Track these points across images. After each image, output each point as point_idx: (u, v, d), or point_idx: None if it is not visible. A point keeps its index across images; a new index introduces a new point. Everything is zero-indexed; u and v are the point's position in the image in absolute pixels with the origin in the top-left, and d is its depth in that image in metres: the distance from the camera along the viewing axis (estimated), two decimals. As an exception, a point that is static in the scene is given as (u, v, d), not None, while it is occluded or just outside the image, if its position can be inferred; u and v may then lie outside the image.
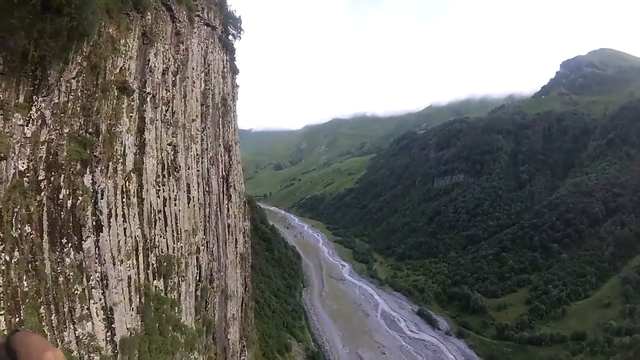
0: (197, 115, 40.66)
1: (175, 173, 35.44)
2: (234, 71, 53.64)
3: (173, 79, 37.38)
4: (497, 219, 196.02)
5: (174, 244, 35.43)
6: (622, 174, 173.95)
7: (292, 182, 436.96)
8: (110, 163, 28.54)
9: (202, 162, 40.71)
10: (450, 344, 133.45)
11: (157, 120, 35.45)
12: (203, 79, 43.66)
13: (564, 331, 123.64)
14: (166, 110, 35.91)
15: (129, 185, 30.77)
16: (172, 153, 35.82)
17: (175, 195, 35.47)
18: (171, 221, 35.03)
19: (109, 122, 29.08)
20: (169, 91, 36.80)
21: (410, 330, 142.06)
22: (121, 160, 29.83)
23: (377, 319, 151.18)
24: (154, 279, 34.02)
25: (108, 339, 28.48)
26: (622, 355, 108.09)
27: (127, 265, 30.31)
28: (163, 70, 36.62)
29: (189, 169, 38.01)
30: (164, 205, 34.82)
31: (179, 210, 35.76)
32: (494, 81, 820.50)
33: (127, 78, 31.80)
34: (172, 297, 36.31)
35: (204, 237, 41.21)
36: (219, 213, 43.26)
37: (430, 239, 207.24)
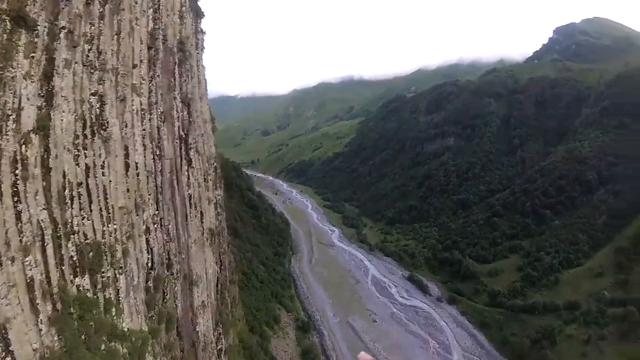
0: (141, 60, 30.70)
1: (102, 132, 25.81)
2: (198, 13, 43.05)
3: (100, 10, 26.99)
4: (488, 184, 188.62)
5: (104, 226, 26.12)
6: (617, 143, 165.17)
7: (280, 147, 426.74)
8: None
9: (149, 119, 31.06)
10: (442, 310, 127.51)
11: (75, 62, 25.37)
12: (151, 17, 33.28)
13: (557, 300, 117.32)
14: (89, 50, 25.88)
15: (26, 150, 21.18)
16: (98, 105, 26.09)
17: (104, 162, 25.94)
18: (98, 196, 25.60)
19: (-7, 64, 19.33)
20: (94, 25, 26.65)
21: (401, 297, 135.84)
22: (13, 116, 20.10)
23: (368, 285, 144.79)
24: (74, 277, 24.86)
25: (5, 366, 19.57)
26: (616, 327, 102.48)
27: (26, 263, 21.04)
28: (86, 0, 26.47)
29: (126, 126, 28.37)
30: (87, 176, 25.27)
31: (110, 182, 26.30)
32: (484, 45, 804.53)
33: (27, 6, 21.82)
34: (106, 297, 27.30)
35: (156, 212, 31.99)
36: (175, 182, 33.89)
37: (421, 203, 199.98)
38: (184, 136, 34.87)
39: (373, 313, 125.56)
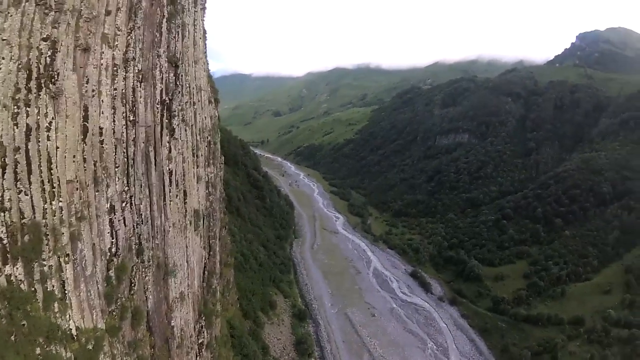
0: (118, 7, 24.76)
1: (50, 85, 20.27)
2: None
3: None
4: (499, 185, 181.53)
5: (46, 203, 20.62)
6: (634, 157, 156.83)
7: (290, 129, 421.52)
8: None
9: (123, 78, 25.36)
10: (443, 310, 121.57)
11: (26, 0, 19.95)
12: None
13: (562, 313, 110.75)
14: (44, -13, 20.20)
15: None
16: (49, 53, 20.57)
17: (50, 123, 20.25)
18: (40, 166, 19.83)
19: None
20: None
21: (402, 292, 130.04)
22: None
23: (369, 277, 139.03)
24: (3, 265, 19.37)
25: None
26: (619, 349, 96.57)
27: None
28: None
29: (88, 82, 22.69)
30: (27, 140, 19.83)
31: (57, 148, 20.70)
32: (504, 44, 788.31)
33: None
34: (47, 290, 21.93)
35: (126, 189, 26.39)
36: (152, 154, 28.17)
37: (429, 197, 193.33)
38: (167, 101, 29.15)
39: (372, 307, 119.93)
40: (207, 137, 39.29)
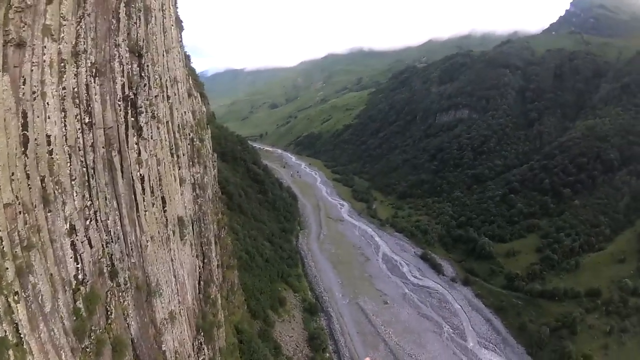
0: (59, -10, 20.66)
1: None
2: None
3: None
4: (504, 158, 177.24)
5: (-22, 236, 16.71)
6: (638, 122, 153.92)
7: (288, 120, 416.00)
8: None
9: (74, 74, 21.29)
10: (456, 291, 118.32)
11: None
12: None
13: (577, 286, 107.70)
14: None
15: None
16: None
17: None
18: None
19: None
20: None
21: (414, 276, 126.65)
22: None
23: (379, 263, 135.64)
24: None
25: None
26: (639, 319, 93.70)
27: None
28: None
29: (24, 83, 18.65)
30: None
31: (-14, 165, 16.67)
32: (497, 16, 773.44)
33: None
34: (-2, 336, 18.11)
35: (88, 204, 22.47)
36: (117, 160, 24.04)
37: (433, 177, 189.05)
38: (131, 97, 24.98)
39: (384, 294, 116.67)
40: (189, 134, 35.09)
